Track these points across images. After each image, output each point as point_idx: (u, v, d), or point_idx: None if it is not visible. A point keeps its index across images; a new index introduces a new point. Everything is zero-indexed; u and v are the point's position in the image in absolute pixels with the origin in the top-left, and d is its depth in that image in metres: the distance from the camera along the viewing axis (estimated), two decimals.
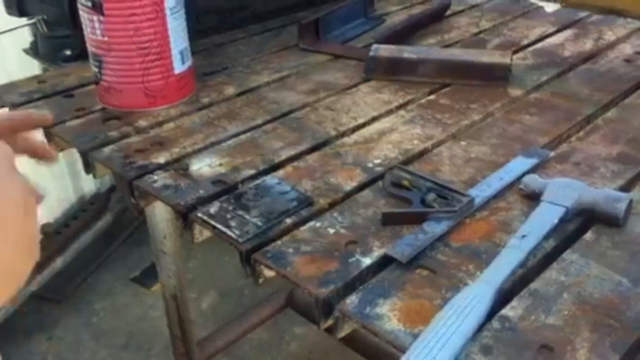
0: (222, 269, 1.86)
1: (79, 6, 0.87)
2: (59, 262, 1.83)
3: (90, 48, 0.89)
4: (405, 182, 0.70)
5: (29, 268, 0.42)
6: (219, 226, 0.65)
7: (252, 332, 1.54)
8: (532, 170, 0.73)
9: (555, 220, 0.63)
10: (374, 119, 0.88)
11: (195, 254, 1.92)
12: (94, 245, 1.97)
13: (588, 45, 1.12)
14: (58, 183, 1.94)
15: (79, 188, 2.08)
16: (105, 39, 0.86)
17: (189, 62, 0.93)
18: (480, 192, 0.69)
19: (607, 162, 0.76)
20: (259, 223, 0.66)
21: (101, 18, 0.84)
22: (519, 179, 0.71)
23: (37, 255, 0.44)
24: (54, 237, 1.86)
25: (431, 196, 0.68)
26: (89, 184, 2.10)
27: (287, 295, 1.55)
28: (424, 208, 0.67)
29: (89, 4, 0.84)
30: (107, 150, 0.80)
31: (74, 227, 1.94)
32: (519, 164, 0.74)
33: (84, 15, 0.87)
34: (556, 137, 0.82)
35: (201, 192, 0.71)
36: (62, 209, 2.01)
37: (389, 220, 0.66)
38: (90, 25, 0.86)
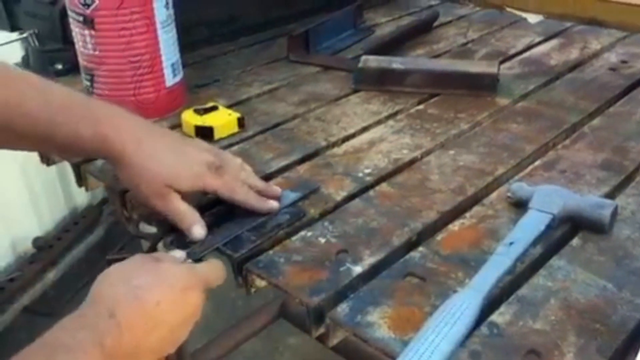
0: None
1: (71, 20, 0.88)
2: (51, 276, 1.82)
3: (82, 62, 0.90)
4: None
5: None
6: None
7: (245, 343, 1.54)
8: None
9: (542, 227, 0.64)
10: (364, 129, 0.90)
11: None
12: (87, 258, 1.96)
13: (574, 54, 1.14)
14: (50, 196, 1.94)
15: (71, 201, 2.07)
16: (97, 53, 0.87)
17: (180, 75, 0.94)
18: None
19: (593, 169, 0.77)
20: (253, 237, 0.67)
21: (92, 32, 0.85)
22: None
23: (164, 354, 0.54)
24: (46, 250, 1.86)
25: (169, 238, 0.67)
26: (81, 197, 2.10)
27: (280, 306, 1.55)
28: None
29: (80, 18, 0.85)
30: (99, 162, 0.81)
31: (66, 240, 1.94)
32: None
33: (75, 29, 0.87)
34: (543, 145, 0.83)
35: (194, 204, 0.72)
36: (54, 222, 2.01)
37: None
38: (82, 39, 0.87)
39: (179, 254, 0.63)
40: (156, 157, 0.64)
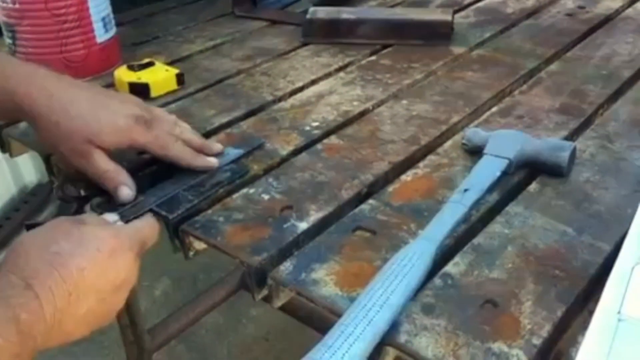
0: (174, 256, 1.80)
1: None
2: (1, 256, 1.74)
3: (2, 17, 0.82)
4: None
5: (85, 335, 0.47)
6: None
7: (207, 316, 1.49)
8: None
9: (498, 173, 0.60)
10: (312, 83, 0.84)
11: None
12: None
13: (530, 1, 1.10)
14: None
15: (19, 179, 1.98)
16: (17, 6, 0.79)
17: (112, 31, 0.87)
18: None
19: (551, 114, 0.74)
20: (190, 197, 0.61)
21: None
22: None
23: (102, 325, 0.48)
24: None
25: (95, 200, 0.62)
26: (30, 176, 2.01)
27: (241, 277, 1.51)
28: None
29: None
30: (22, 126, 0.74)
31: (16, 219, 1.85)
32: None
33: None
34: (499, 91, 0.80)
35: (125, 164, 0.66)
36: (2, 201, 1.92)
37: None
38: None
39: (111, 217, 0.57)
40: (72, 111, 0.58)
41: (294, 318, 1.35)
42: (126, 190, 0.59)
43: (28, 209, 1.90)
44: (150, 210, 0.59)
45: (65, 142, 0.58)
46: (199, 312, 1.48)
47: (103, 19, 0.84)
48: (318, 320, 1.35)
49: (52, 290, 0.43)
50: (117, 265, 0.48)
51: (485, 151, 0.63)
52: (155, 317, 1.45)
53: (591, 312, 0.46)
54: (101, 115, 0.59)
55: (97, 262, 0.46)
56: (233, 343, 1.59)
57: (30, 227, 0.57)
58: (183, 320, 1.46)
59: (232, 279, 1.54)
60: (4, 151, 0.76)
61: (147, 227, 0.54)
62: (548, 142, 0.63)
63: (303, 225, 0.57)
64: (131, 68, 0.81)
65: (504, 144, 0.63)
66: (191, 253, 0.59)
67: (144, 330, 1.32)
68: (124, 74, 0.80)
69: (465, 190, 0.57)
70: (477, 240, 0.54)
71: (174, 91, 0.82)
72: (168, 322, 1.43)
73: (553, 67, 0.86)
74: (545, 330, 0.45)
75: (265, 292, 0.54)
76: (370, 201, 0.60)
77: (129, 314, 1.26)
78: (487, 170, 0.60)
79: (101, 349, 1.57)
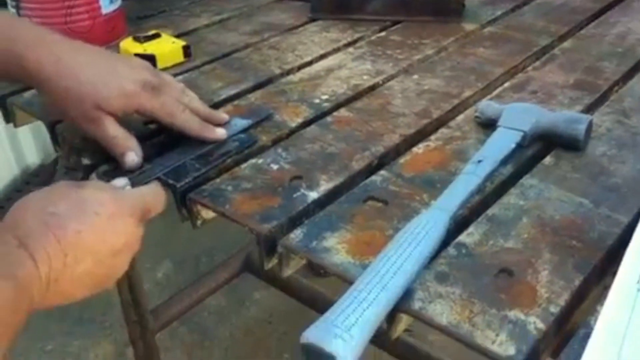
0: (176, 238, 1.79)
1: None
2: None
3: None
4: None
5: (85, 296, 0.46)
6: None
7: (210, 298, 1.49)
8: None
9: (513, 145, 0.59)
10: (321, 57, 0.83)
11: (147, 223, 1.85)
12: None
13: None
14: None
15: (22, 160, 1.97)
16: None
17: (118, 2, 0.85)
18: None
19: (565, 90, 0.72)
20: (197, 166, 0.60)
21: None
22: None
23: (103, 288, 0.47)
24: None
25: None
26: (32, 157, 2.00)
27: (244, 259, 1.50)
28: None
29: None
30: (27, 95, 0.73)
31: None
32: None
33: None
34: (512, 67, 0.78)
35: (133, 132, 0.65)
36: (4, 182, 1.91)
37: None
38: None
39: (121, 181, 0.56)
40: (80, 76, 0.57)
41: (296, 300, 1.35)
42: (133, 157, 0.58)
43: (30, 190, 1.88)
44: (157, 178, 0.58)
45: (74, 108, 0.57)
46: (202, 293, 1.48)
47: None
48: (321, 303, 1.34)
49: (46, 249, 0.42)
50: (116, 229, 0.47)
51: (499, 123, 0.61)
52: (157, 300, 1.44)
53: (607, 287, 0.45)
54: (110, 80, 0.57)
55: (95, 225, 0.45)
56: (235, 325, 1.58)
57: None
58: (186, 301, 1.45)
59: (235, 262, 1.53)
60: (7, 121, 0.74)
61: (151, 194, 0.53)
62: (564, 115, 0.62)
63: (313, 195, 0.56)
64: (137, 40, 0.80)
65: (519, 117, 0.61)
66: (199, 222, 0.58)
67: (147, 310, 1.31)
68: (129, 46, 0.79)
69: (479, 161, 0.56)
70: (492, 211, 0.53)
71: (180, 64, 0.80)
72: (171, 303, 1.43)
73: (566, 44, 0.84)
74: (563, 299, 0.44)
75: (274, 260, 0.53)
76: (382, 172, 0.59)
77: (132, 293, 1.26)
78: (502, 142, 0.59)
79: (102, 330, 1.57)
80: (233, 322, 1.59)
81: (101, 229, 0.46)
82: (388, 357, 1.10)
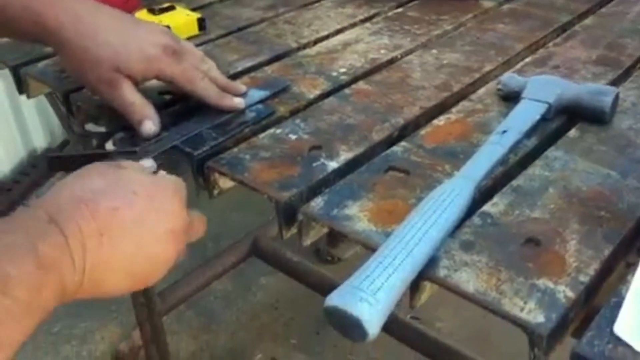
0: None
1: None
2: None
3: None
4: None
5: (124, 290, 0.43)
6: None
7: (216, 283, 1.48)
8: None
9: (537, 116, 0.58)
10: (338, 32, 0.82)
11: None
12: None
13: None
14: (5, 138, 1.82)
15: (29, 143, 1.96)
16: None
17: None
18: None
19: (588, 65, 0.71)
20: (215, 135, 0.59)
21: None
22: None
23: (144, 284, 0.44)
24: (4, 193, 1.76)
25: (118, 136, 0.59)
26: (39, 140, 1.99)
27: (252, 243, 1.49)
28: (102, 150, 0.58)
29: None
30: (41, 65, 0.72)
31: (25, 183, 1.84)
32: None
33: None
34: (533, 43, 0.77)
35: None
36: (11, 165, 1.90)
37: (54, 164, 0.55)
38: None
39: (148, 162, 0.53)
40: (100, 37, 0.55)
41: (304, 285, 1.34)
42: (150, 125, 0.57)
43: (37, 173, 1.88)
44: (174, 146, 0.57)
45: (92, 70, 0.55)
46: (209, 277, 1.47)
47: None
48: (328, 288, 1.34)
49: (79, 226, 0.38)
50: (156, 211, 0.43)
51: (523, 95, 0.60)
52: (164, 283, 1.43)
53: (629, 265, 0.44)
54: (130, 43, 0.56)
55: (133, 204, 0.41)
56: (242, 310, 1.57)
57: (51, 159, 0.55)
58: (193, 284, 1.45)
59: (242, 246, 1.53)
60: (21, 92, 0.73)
61: (196, 214, 0.48)
62: (590, 87, 0.61)
63: (333, 164, 0.55)
64: (152, 11, 0.78)
65: (543, 89, 0.60)
66: (216, 192, 0.57)
67: (155, 292, 1.31)
68: (144, 17, 0.77)
69: (504, 131, 0.55)
70: (516, 182, 0.52)
71: (195, 36, 0.79)
72: (178, 286, 1.42)
73: (587, 21, 0.83)
74: (592, 269, 0.43)
75: (294, 230, 0.52)
76: (402, 143, 0.58)
77: None
78: (526, 113, 0.58)
79: (109, 312, 1.56)
80: (239, 307, 1.58)
81: (140, 209, 0.42)
82: None
